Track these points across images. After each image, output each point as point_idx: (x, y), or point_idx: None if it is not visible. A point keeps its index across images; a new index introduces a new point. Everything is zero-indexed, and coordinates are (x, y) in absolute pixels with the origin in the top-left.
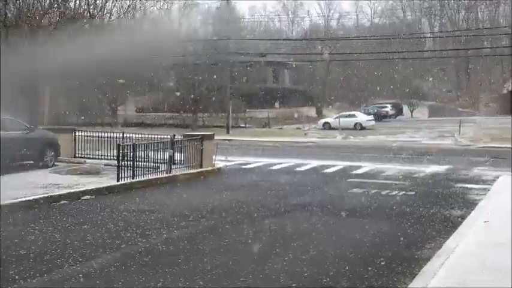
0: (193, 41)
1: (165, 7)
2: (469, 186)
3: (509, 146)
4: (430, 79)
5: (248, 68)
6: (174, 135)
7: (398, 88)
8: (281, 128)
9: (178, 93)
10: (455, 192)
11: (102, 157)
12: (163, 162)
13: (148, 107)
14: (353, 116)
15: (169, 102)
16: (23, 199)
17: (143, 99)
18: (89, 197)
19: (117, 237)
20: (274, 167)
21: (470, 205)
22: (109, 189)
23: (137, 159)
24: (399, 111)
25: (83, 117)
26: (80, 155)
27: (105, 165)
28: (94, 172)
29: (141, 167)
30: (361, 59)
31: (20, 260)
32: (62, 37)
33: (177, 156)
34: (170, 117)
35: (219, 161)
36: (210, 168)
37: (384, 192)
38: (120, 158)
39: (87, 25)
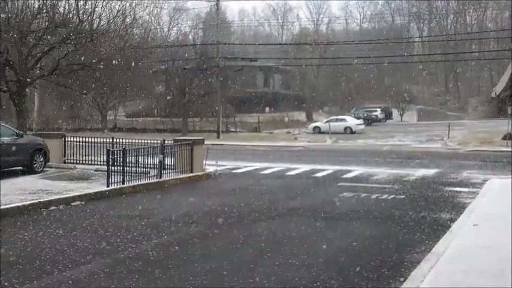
0: (183, 45)
1: (155, 12)
2: (458, 189)
3: (498, 149)
4: (419, 83)
5: (238, 72)
6: (164, 140)
7: (387, 92)
8: (271, 133)
9: (168, 98)
10: (445, 195)
11: (92, 162)
12: (154, 168)
13: (138, 112)
14: (343, 120)
15: (160, 107)
16: (12, 205)
17: (133, 104)
18: (78, 202)
19: (107, 242)
20: (265, 172)
21: (460, 208)
22: (99, 195)
23: (127, 164)
24: (389, 115)
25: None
26: (69, 161)
27: (95, 170)
28: (84, 177)
29: (131, 172)
30: (350, 63)
31: (10, 266)
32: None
33: (167, 161)
34: (160, 122)
35: (210, 166)
36: (200, 173)
37: (373, 196)
38: (110, 164)
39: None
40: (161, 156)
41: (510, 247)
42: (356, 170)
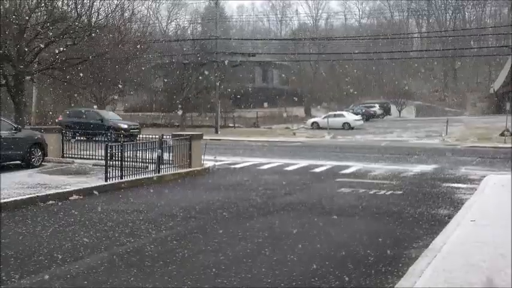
0: (182, 40)
1: (153, 6)
2: (456, 185)
3: (496, 145)
4: (418, 79)
5: (237, 68)
6: (163, 135)
7: (386, 88)
8: (270, 128)
9: (167, 93)
10: (443, 191)
11: (91, 157)
12: (152, 162)
13: (137, 106)
14: (341, 115)
15: (158, 102)
16: (10, 199)
17: (131, 98)
18: (77, 197)
19: (105, 237)
20: (263, 167)
21: (457, 204)
22: (97, 190)
23: (126, 159)
24: (387, 111)
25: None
26: (68, 155)
27: (94, 165)
28: (82, 172)
29: (130, 167)
30: (349, 59)
31: (8, 261)
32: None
33: (166, 156)
34: (158, 116)
35: (208, 161)
36: (198, 168)
37: (371, 192)
38: (109, 158)
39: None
40: (159, 151)
41: (508, 243)
42: (354, 166)
